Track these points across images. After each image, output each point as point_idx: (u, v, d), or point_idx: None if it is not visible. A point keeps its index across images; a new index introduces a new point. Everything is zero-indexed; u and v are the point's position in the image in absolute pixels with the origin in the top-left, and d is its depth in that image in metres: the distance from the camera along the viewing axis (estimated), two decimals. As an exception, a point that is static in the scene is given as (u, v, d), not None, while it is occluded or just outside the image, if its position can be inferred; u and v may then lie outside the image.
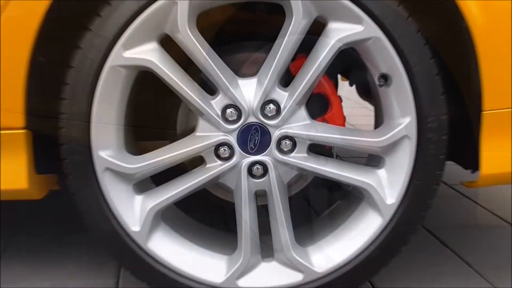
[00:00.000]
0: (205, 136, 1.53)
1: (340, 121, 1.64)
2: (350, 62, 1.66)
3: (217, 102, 1.52)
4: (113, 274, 1.85)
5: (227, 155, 1.54)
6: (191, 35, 1.46)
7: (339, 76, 2.31)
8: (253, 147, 1.53)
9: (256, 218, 1.58)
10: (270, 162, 1.54)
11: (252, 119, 1.52)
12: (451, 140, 1.56)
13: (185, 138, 1.57)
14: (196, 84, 1.52)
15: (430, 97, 1.49)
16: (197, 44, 1.47)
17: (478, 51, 1.45)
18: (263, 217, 1.59)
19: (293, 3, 1.44)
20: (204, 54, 1.48)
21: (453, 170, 2.41)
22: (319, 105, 1.64)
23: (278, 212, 1.56)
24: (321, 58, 1.48)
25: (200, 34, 1.48)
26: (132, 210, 1.56)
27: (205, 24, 1.72)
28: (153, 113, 1.84)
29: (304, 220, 1.79)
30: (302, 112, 1.54)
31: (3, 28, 1.42)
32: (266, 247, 1.61)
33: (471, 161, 1.60)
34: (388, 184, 1.57)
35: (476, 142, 1.53)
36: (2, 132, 1.48)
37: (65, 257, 1.97)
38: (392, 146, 1.54)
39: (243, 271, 1.58)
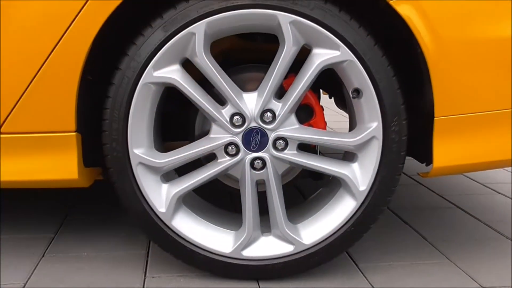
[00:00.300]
0: (217, 138, 1.54)
1: (322, 125, 1.64)
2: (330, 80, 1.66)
3: (226, 111, 1.53)
4: (144, 246, 1.86)
5: (234, 152, 1.55)
6: (206, 59, 1.47)
7: (321, 90, 2.31)
8: (255, 146, 1.55)
9: (257, 201, 1.59)
10: (268, 157, 1.55)
11: (253, 124, 1.53)
12: (410, 140, 1.56)
13: (201, 139, 1.57)
14: (210, 97, 1.53)
15: (392, 106, 1.50)
16: (211, 66, 1.48)
17: (430, 71, 1.45)
18: (263, 200, 1.60)
19: (285, 34, 1.45)
20: (216, 74, 1.49)
21: (411, 163, 2.44)
22: (306, 113, 1.65)
23: (274, 197, 1.57)
24: (307, 76, 1.49)
25: (213, 58, 1.49)
26: (160, 195, 1.56)
27: (217, 50, 1.75)
28: (176, 119, 1.85)
29: (294, 203, 1.80)
30: (293, 119, 1.55)
31: (60, 58, 1.44)
32: (264, 224, 1.62)
33: (426, 156, 1.59)
34: (360, 175, 1.57)
35: (429, 141, 1.53)
36: (59, 134, 1.49)
37: (107, 232, 1.98)
38: (363, 145, 1.54)
39: (247, 243, 1.59)
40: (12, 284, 1.60)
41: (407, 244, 1.93)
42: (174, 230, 1.58)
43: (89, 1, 1.40)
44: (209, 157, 1.61)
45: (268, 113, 1.53)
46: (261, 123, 1.53)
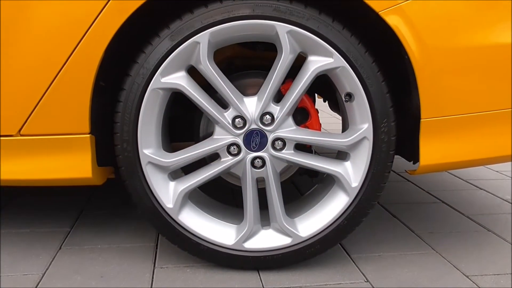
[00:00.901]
0: (220, 139, 1.54)
1: (317, 127, 1.64)
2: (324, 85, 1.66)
3: (229, 114, 1.53)
4: (153, 239, 1.87)
5: (236, 152, 1.55)
6: (210, 66, 1.47)
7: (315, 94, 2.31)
8: (255, 146, 1.55)
9: (257, 197, 1.59)
10: (267, 157, 1.55)
11: (254, 126, 1.53)
12: (398, 139, 1.56)
13: (205, 140, 1.57)
14: (213, 101, 1.53)
15: (382, 109, 1.50)
16: (214, 73, 1.48)
17: (416, 76, 1.45)
18: (262, 196, 1.60)
19: (282, 42, 1.45)
20: (219, 80, 1.49)
21: (400, 161, 2.44)
22: (302, 115, 1.64)
23: (273, 193, 1.57)
24: (303, 82, 1.49)
25: (216, 66, 1.49)
26: (167, 192, 1.56)
27: (220, 57, 1.75)
28: (183, 122, 1.85)
29: (292, 199, 1.80)
30: (290, 121, 1.55)
31: (75, 66, 1.44)
32: (264, 218, 1.62)
33: (413, 155, 1.59)
34: (353, 172, 1.57)
35: (416, 141, 1.53)
36: (74, 136, 1.49)
37: (119, 227, 1.98)
38: (355, 145, 1.54)
39: (248, 236, 1.59)
40: (31, 273, 1.60)
41: (396, 236, 1.93)
42: (181, 224, 1.58)
43: (102, 12, 1.40)
44: (213, 157, 1.61)
45: (267, 116, 1.53)
46: (260, 125, 1.53)
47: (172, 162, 1.54)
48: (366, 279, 1.60)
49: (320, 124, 1.67)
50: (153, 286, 1.54)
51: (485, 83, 1.50)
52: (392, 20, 1.42)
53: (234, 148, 1.55)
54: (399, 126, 1.57)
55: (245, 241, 1.59)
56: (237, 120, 1.53)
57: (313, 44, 1.46)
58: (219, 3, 1.44)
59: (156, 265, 1.66)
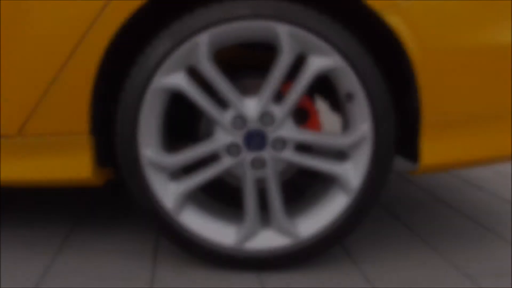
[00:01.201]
0: (220, 139, 1.54)
1: (317, 127, 1.65)
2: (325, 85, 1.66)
3: (229, 114, 1.53)
4: (153, 239, 1.87)
5: (236, 152, 1.55)
6: (210, 67, 1.47)
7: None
8: (255, 146, 1.54)
9: (257, 198, 1.59)
10: (267, 157, 1.55)
11: (254, 126, 1.53)
12: (399, 139, 1.57)
13: (205, 141, 1.57)
14: (213, 101, 1.53)
15: (382, 109, 1.50)
16: (214, 73, 1.48)
17: (417, 76, 1.46)
18: (263, 196, 1.60)
19: (282, 43, 1.45)
20: (219, 80, 1.49)
21: (400, 161, 2.43)
22: (302, 115, 1.65)
23: (274, 193, 1.57)
24: (303, 82, 1.50)
25: (216, 66, 1.49)
26: (168, 192, 1.56)
27: (220, 58, 1.75)
28: (183, 122, 1.86)
29: (292, 199, 1.79)
30: (290, 121, 1.55)
31: (75, 66, 1.44)
32: (265, 218, 1.62)
33: (413, 155, 1.60)
34: (353, 173, 1.56)
35: (417, 141, 1.54)
36: (74, 136, 1.49)
37: (119, 227, 1.98)
38: (356, 145, 1.54)
39: (248, 236, 1.59)
40: (31, 274, 1.60)
41: (396, 236, 1.93)
42: (181, 224, 1.58)
43: (103, 11, 1.41)
44: (213, 157, 1.60)
45: (267, 116, 1.53)
46: (261, 125, 1.53)
47: (172, 163, 1.54)
48: (366, 279, 1.60)
49: (320, 124, 1.68)
50: (153, 286, 1.54)
51: (485, 83, 1.50)
52: (392, 20, 1.42)
53: (234, 148, 1.55)
54: (399, 126, 1.57)
55: (245, 241, 1.60)
56: (237, 120, 1.53)
57: (313, 44, 1.46)
58: (219, 3, 1.44)
59: (156, 265, 1.66)
